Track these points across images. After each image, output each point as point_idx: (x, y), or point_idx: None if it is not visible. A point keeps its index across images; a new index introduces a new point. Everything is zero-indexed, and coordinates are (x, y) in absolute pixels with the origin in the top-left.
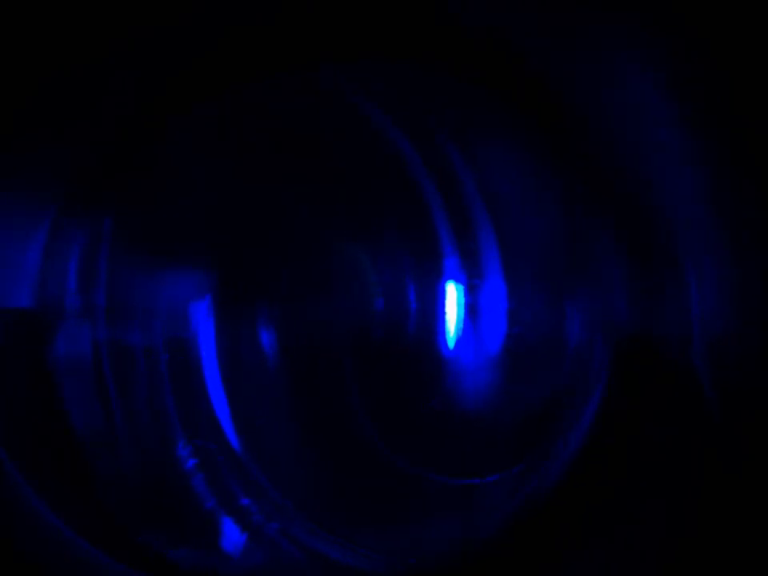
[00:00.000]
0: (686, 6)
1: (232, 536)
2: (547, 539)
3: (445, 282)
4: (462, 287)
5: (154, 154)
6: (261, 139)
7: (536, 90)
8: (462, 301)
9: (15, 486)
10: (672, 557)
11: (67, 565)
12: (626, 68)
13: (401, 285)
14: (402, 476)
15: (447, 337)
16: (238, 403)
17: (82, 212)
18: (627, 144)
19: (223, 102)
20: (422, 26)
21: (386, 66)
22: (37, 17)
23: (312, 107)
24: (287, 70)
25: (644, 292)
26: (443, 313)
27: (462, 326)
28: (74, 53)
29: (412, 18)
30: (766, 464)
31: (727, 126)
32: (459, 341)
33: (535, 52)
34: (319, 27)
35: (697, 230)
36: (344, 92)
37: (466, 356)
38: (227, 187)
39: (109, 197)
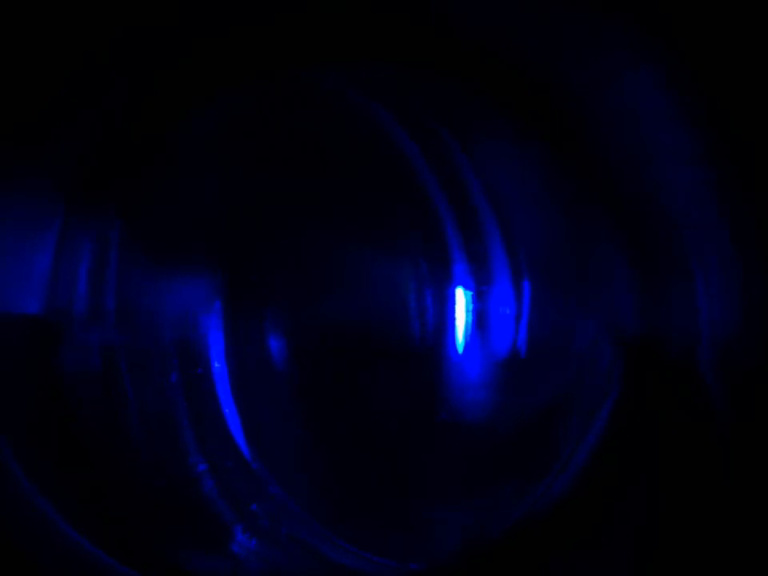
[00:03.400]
0: (685, 7)
1: (241, 541)
2: (553, 545)
3: (453, 287)
4: (470, 293)
5: (160, 158)
6: (265, 142)
7: (540, 92)
8: (471, 306)
9: (24, 492)
10: (679, 559)
11: (78, 570)
12: (628, 69)
13: (410, 290)
14: (409, 482)
15: (456, 342)
16: (247, 408)
17: (89, 217)
18: (632, 146)
19: (226, 105)
20: (424, 28)
21: (391, 69)
22: (36, 20)
23: (318, 112)
24: (289, 70)
25: (651, 296)
26: (452, 318)
27: (470, 331)
28: (76, 55)
29: (414, 21)
30: None
31: (730, 127)
32: (468, 346)
33: (538, 54)
34: (322, 28)
35: (703, 232)
36: (349, 96)
37: (474, 361)
38: (234, 191)
39: (116, 201)
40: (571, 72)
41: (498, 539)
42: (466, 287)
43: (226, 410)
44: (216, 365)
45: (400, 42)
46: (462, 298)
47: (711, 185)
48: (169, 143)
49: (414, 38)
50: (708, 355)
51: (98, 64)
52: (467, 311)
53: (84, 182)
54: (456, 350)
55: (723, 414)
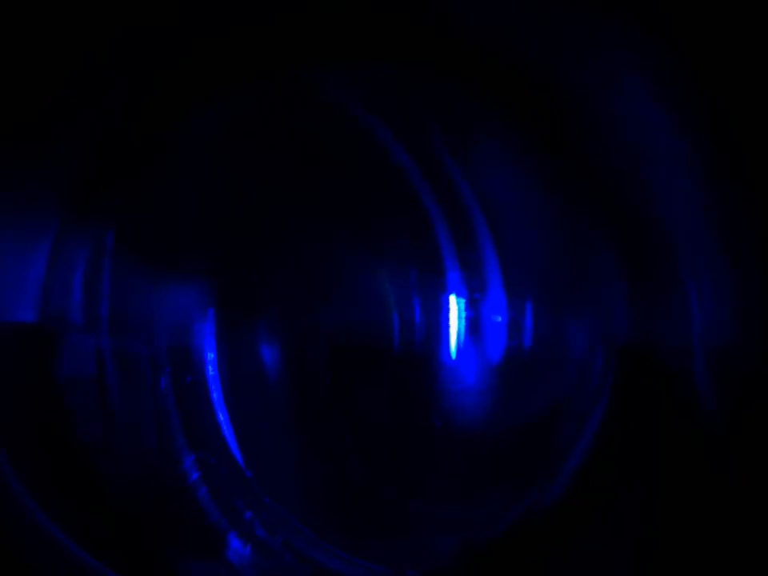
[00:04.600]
0: (685, 15)
1: (236, 549)
2: (550, 546)
3: (447, 294)
4: (463, 300)
5: (156, 159)
6: (262, 145)
7: (540, 92)
8: (464, 314)
9: (19, 498)
10: (673, 561)
11: None
12: (628, 69)
13: (403, 298)
14: (404, 488)
15: (449, 349)
16: (240, 416)
17: (84, 226)
18: (628, 148)
19: (226, 105)
20: (424, 28)
21: (391, 69)
22: (37, 20)
23: (314, 121)
24: (289, 70)
25: (645, 304)
26: (446, 326)
27: (463, 338)
28: (76, 55)
29: (414, 21)
30: (766, 473)
31: (728, 128)
32: (461, 353)
33: (538, 54)
34: (322, 28)
35: (696, 241)
36: (345, 105)
37: (467, 368)
38: (229, 192)
39: (111, 202)
40: (571, 72)
41: (495, 542)
42: (459, 295)
43: (220, 417)
44: (210, 371)
45: (400, 42)
46: (455, 306)
47: (708, 197)
48: (169, 143)
49: (414, 37)
50: (701, 363)
51: (98, 64)
52: (460, 318)
53: (82, 182)
54: (449, 357)
55: (716, 418)
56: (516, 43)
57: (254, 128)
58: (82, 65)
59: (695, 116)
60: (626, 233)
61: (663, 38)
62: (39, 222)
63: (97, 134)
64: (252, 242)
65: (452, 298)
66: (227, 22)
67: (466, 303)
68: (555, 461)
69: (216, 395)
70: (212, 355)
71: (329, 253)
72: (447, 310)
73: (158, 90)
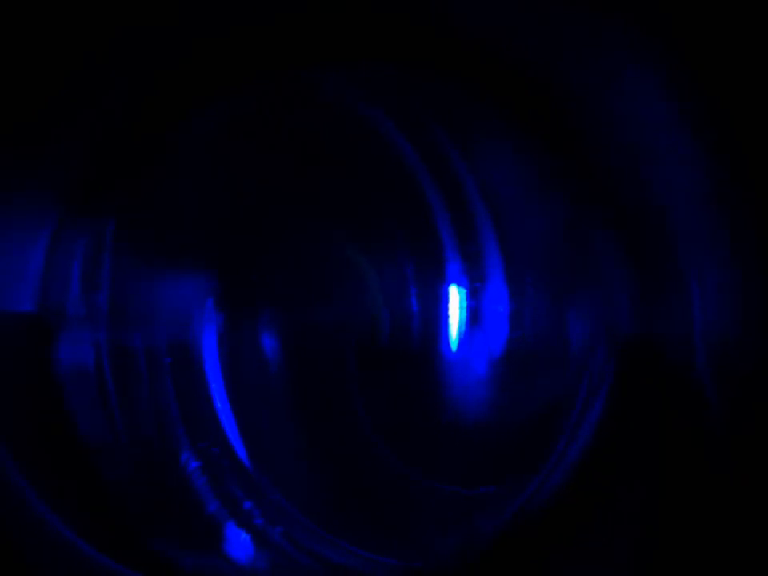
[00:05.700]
0: (685, 15)
1: (236, 539)
2: (550, 543)
3: (447, 285)
4: (464, 291)
5: (156, 159)
6: (262, 145)
7: (540, 92)
8: (465, 304)
9: (18, 489)
10: (673, 559)
11: (71, 569)
12: (628, 69)
13: (403, 289)
14: (404, 480)
15: (450, 340)
16: (240, 407)
17: (84, 216)
18: (628, 148)
19: (226, 105)
20: (424, 28)
21: (391, 69)
22: (37, 20)
23: (318, 112)
24: (289, 70)
25: (646, 296)
26: (446, 316)
27: (464, 329)
28: (76, 55)
29: (414, 21)
30: (766, 473)
31: (729, 128)
32: (462, 344)
33: (538, 54)
34: (322, 28)
35: (700, 235)
36: (346, 98)
37: (468, 359)
38: (229, 192)
39: (111, 201)
40: (571, 72)
41: (495, 540)
42: (460, 285)
43: (220, 410)
44: (209, 363)
45: (400, 42)
46: (456, 296)
47: (710, 188)
48: (169, 143)
49: (414, 37)
50: (703, 358)
51: (98, 64)
52: (461, 308)
53: (82, 182)
54: (450, 348)
55: (718, 415)
56: (516, 43)
57: (254, 128)
58: (82, 65)
59: (695, 116)
60: (627, 232)
61: (663, 38)
62: (39, 223)
63: (97, 134)
64: (252, 242)
65: (453, 288)
66: (227, 21)
67: (467, 293)
68: (555, 458)
69: (216, 387)
70: (212, 350)
71: (331, 247)
72: (447, 301)
73: (158, 89)
